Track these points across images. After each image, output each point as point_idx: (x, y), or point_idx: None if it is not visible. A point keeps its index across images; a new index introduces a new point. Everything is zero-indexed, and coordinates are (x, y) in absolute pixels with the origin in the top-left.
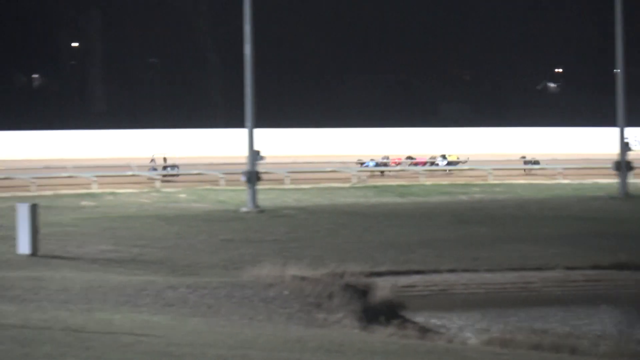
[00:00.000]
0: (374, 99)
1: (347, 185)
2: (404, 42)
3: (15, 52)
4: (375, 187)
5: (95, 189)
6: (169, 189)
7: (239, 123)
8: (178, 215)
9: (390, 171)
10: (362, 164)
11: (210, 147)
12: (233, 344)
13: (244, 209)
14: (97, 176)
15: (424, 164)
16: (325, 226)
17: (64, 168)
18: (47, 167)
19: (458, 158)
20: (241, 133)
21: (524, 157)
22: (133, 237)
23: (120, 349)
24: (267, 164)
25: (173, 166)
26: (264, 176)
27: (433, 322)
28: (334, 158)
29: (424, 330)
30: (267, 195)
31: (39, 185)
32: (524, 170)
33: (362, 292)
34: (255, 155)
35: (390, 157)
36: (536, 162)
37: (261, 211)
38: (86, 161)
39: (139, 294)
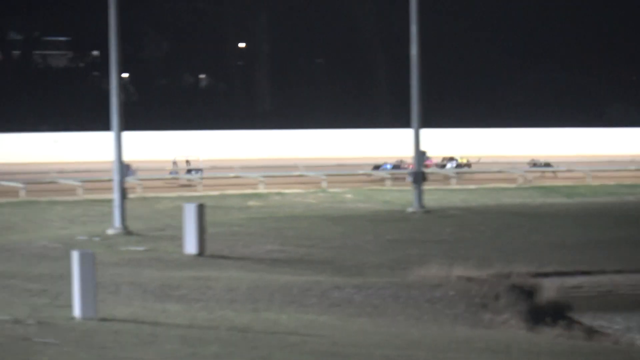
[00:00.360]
0: (540, 98)
1: (513, 185)
2: (572, 41)
3: (184, 53)
4: (541, 187)
5: (262, 189)
6: (335, 189)
7: (404, 123)
8: (344, 216)
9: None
10: (378, 167)
11: (375, 147)
12: (399, 344)
13: (410, 209)
14: (264, 176)
15: (430, 166)
16: (491, 226)
17: (230, 168)
18: (214, 167)
19: (468, 161)
20: (407, 133)
21: (532, 160)
22: (299, 237)
23: (286, 349)
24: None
25: (197, 170)
26: (430, 176)
27: (599, 323)
28: (501, 158)
29: (591, 331)
30: (433, 196)
31: (205, 186)
32: (542, 173)
33: (528, 293)
34: (421, 156)
35: (405, 160)
36: (547, 165)
37: (427, 211)
38: (253, 161)
39: (304, 294)
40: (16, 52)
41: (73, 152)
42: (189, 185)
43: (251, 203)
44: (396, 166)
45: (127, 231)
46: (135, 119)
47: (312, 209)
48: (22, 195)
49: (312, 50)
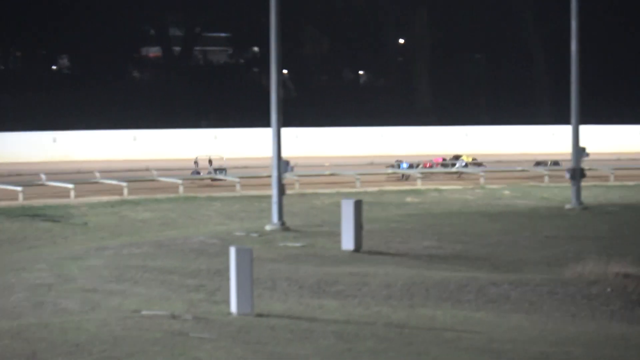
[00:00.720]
0: None
1: None
2: None
3: (343, 50)
4: None
5: (419, 185)
6: (493, 186)
7: (564, 119)
8: (501, 212)
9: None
10: (399, 165)
11: (534, 144)
12: (555, 340)
13: (567, 206)
14: (422, 172)
15: (437, 165)
16: None
17: (387, 164)
18: (372, 164)
19: (474, 159)
20: (566, 129)
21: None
22: (456, 234)
23: (442, 345)
24: (591, 160)
25: (221, 169)
26: (587, 172)
27: None
28: None
29: None
30: (591, 192)
31: (363, 182)
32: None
33: None
34: (579, 152)
35: (423, 160)
36: (556, 163)
37: (585, 208)
38: (411, 157)
39: (461, 290)
40: (177, 49)
41: (232, 148)
42: (213, 186)
43: (409, 199)
44: (411, 165)
45: (284, 227)
46: (294, 115)
47: (469, 206)
48: (181, 192)
49: (471, 46)
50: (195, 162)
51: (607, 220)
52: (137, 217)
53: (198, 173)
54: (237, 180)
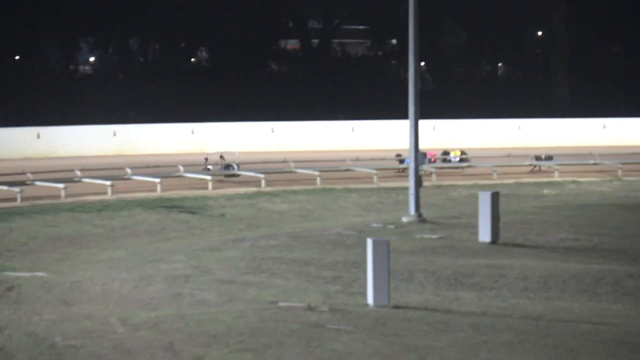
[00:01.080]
0: None
1: None
2: None
3: (481, 42)
4: None
5: (556, 178)
6: (630, 178)
7: None
8: (639, 204)
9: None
10: (401, 161)
11: None
12: None
13: None
14: (558, 164)
15: (435, 160)
16: None
17: (525, 156)
18: (510, 155)
19: (462, 153)
20: None
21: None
22: (593, 226)
23: (579, 338)
24: None
25: (234, 165)
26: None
27: None
28: None
29: None
30: None
31: (500, 174)
32: (534, 167)
33: None
34: None
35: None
36: (549, 158)
37: None
38: (550, 149)
39: (597, 283)
40: (315, 41)
41: (369, 140)
42: (221, 181)
43: (546, 191)
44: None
45: (421, 219)
46: (432, 107)
47: (606, 198)
48: (318, 183)
49: (609, 39)
50: (206, 159)
51: None
52: (274, 208)
53: (208, 169)
54: (374, 172)
